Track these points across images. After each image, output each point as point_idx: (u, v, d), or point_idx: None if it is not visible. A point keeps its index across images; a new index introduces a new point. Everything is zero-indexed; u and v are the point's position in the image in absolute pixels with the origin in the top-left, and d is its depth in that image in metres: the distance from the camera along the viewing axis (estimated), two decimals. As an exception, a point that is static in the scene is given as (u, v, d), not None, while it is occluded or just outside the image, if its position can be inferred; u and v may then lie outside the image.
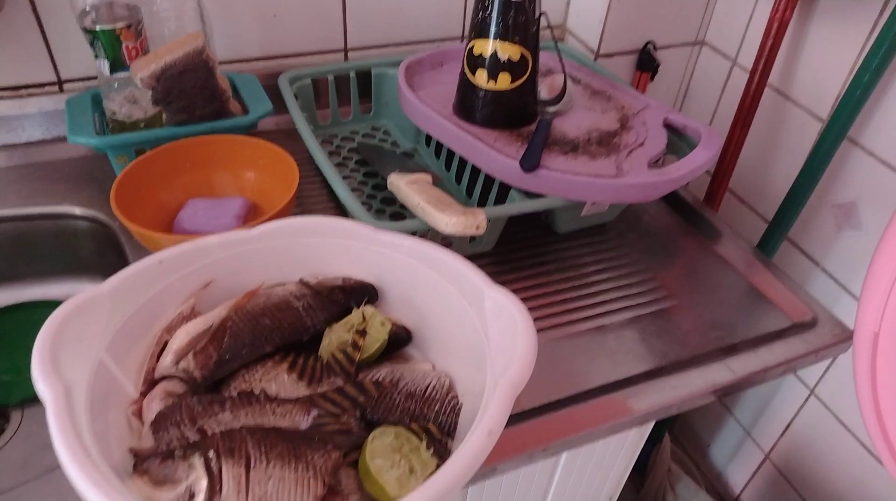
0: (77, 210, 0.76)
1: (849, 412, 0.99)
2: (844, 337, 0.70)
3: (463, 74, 0.76)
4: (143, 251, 0.72)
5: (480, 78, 0.74)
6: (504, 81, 0.73)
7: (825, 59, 0.90)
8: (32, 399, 0.71)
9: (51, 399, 0.42)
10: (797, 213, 0.93)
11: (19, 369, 0.75)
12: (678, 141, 0.82)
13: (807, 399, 1.05)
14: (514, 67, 0.73)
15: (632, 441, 0.79)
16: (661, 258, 0.80)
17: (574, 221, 0.80)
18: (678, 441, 1.39)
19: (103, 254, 0.79)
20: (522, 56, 0.72)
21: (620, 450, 0.79)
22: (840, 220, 0.92)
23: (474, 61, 0.74)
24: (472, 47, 0.73)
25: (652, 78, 1.05)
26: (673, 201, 0.89)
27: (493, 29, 0.71)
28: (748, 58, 1.01)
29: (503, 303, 0.52)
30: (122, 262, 0.76)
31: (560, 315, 0.70)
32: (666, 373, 0.65)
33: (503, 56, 0.72)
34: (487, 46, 0.72)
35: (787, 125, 0.97)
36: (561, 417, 0.61)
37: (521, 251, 0.78)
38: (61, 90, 0.85)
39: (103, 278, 0.81)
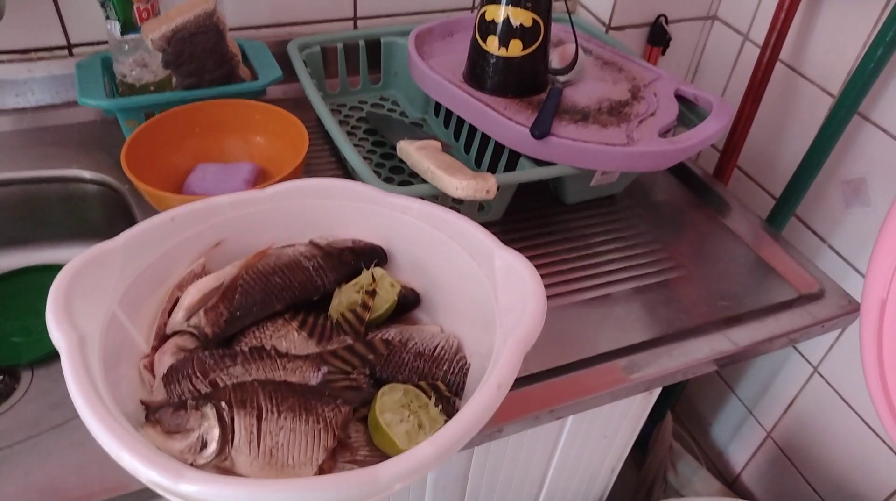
0: (86, 174, 0.77)
1: (853, 390, 0.99)
2: (851, 309, 0.71)
3: (474, 40, 0.76)
4: (152, 214, 0.72)
5: (492, 45, 0.74)
6: (516, 48, 0.73)
7: (837, 34, 0.89)
8: (42, 360, 0.71)
9: (65, 347, 0.43)
10: (806, 189, 0.93)
11: (29, 330, 0.75)
12: (688, 113, 0.81)
13: (810, 377, 1.06)
14: (525, 34, 0.72)
15: (636, 410, 0.79)
16: (670, 230, 0.80)
17: (583, 191, 0.79)
18: (680, 420, 1.39)
19: (112, 218, 0.79)
20: (535, 22, 0.72)
21: (624, 418, 0.79)
22: (849, 196, 0.92)
23: (486, 27, 0.74)
24: (484, 13, 0.73)
25: (663, 52, 1.04)
26: (682, 174, 0.89)
27: (505, -6, 0.71)
28: (760, 33, 1.00)
29: (512, 263, 0.52)
30: (133, 225, 0.76)
31: (567, 283, 0.71)
32: (671, 341, 0.65)
33: (515, 22, 0.72)
34: (500, 12, 0.72)
35: (797, 101, 0.97)
36: (568, 381, 0.61)
37: (529, 221, 0.78)
38: (71, 54, 0.85)
39: (113, 243, 0.83)
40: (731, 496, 1.21)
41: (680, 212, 0.84)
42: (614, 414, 0.77)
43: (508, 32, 0.72)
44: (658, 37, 1.03)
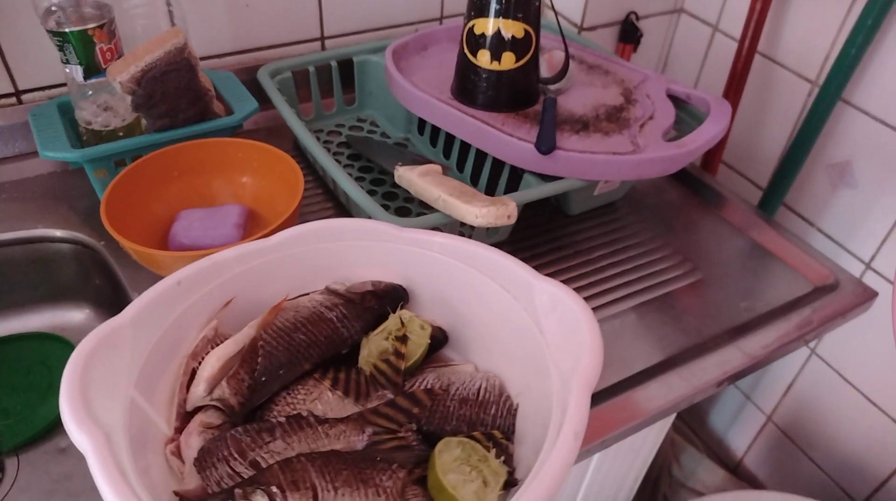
0: (57, 232, 0.70)
1: (854, 368, 1.00)
2: (867, 297, 0.71)
3: (463, 55, 0.72)
4: (136, 272, 0.66)
5: (483, 59, 0.71)
6: (508, 61, 0.70)
7: (811, 19, 0.90)
8: (26, 444, 0.65)
9: (92, 449, 0.37)
10: (795, 175, 0.93)
11: (7, 412, 0.68)
12: (679, 111, 0.80)
13: (808, 359, 1.07)
14: (517, 46, 0.70)
15: (663, 422, 0.77)
16: (675, 232, 0.78)
17: (587, 201, 0.77)
18: (678, 412, 1.39)
19: (88, 277, 0.73)
20: (526, 33, 0.69)
21: (651, 431, 0.77)
22: (835, 179, 0.93)
23: (475, 41, 0.70)
24: (473, 27, 0.70)
25: (635, 49, 1.03)
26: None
27: (493, 6, 0.68)
28: (729, 23, 1.00)
29: (557, 295, 0.49)
30: (112, 285, 0.70)
31: (590, 300, 0.68)
32: (705, 352, 0.64)
33: (507, 34, 0.69)
34: (489, 25, 0.69)
35: (775, 89, 0.97)
36: (613, 406, 0.58)
37: (536, 238, 0.75)
38: (20, 102, 0.78)
39: (90, 305, 0.76)
40: (737, 483, 1.22)
41: (680, 211, 0.82)
42: (641, 432, 0.75)
43: (500, 45, 0.69)
44: (629, 34, 1.02)
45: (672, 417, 0.78)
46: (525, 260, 0.70)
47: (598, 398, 0.58)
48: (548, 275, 0.70)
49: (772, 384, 1.15)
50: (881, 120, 0.86)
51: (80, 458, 0.64)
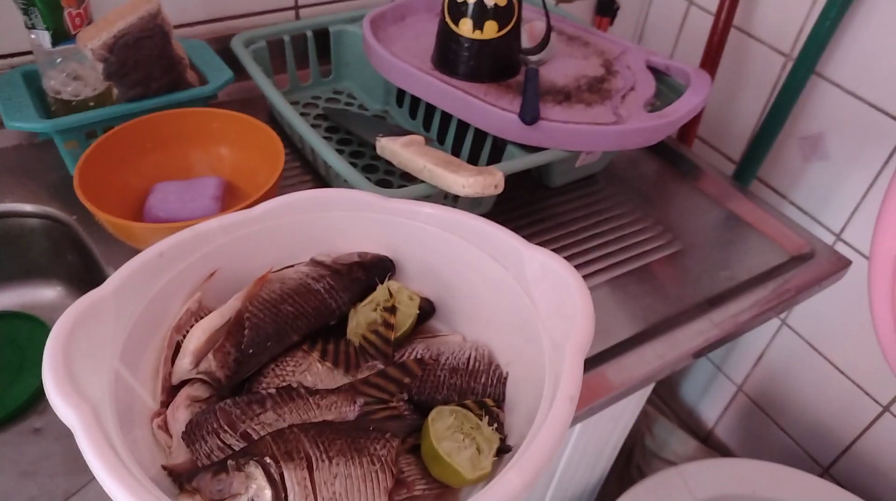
0: (27, 207, 0.67)
1: (823, 338, 1.03)
2: (842, 265, 0.72)
3: (444, 24, 0.71)
4: (111, 247, 0.64)
5: (465, 27, 0.70)
6: (491, 30, 0.69)
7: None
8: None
9: (79, 424, 0.36)
10: (769, 148, 0.94)
11: (-22, 391, 0.66)
12: (659, 83, 0.80)
13: (778, 329, 1.09)
14: (500, 14, 0.69)
15: (642, 390, 0.78)
16: (654, 203, 0.79)
17: (568, 173, 0.77)
18: (647, 383, 1.42)
19: (60, 253, 0.71)
20: (509, 1, 0.68)
21: (631, 400, 0.79)
22: (807, 152, 0.94)
23: (457, 9, 0.69)
24: (455, -5, 0.69)
25: (612, 22, 1.03)
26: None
27: (476, -26, 0.67)
28: (704, -4, 1.00)
29: (547, 263, 0.49)
30: (85, 261, 0.68)
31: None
32: (690, 319, 0.65)
33: (489, 2, 0.68)
34: (471, -7, 0.68)
35: (749, 62, 0.98)
36: (591, 378, 0.59)
37: (518, 210, 0.75)
38: (-20, 71, 0.75)
39: (62, 282, 0.74)
40: (708, 452, 1.24)
41: (658, 183, 0.83)
42: (621, 401, 0.76)
43: (483, 13, 0.68)
44: (606, 7, 1.02)
45: (651, 386, 0.80)
46: (510, 231, 0.71)
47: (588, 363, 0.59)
48: (533, 246, 0.70)
49: (743, 354, 1.17)
50: (853, 93, 0.87)
51: (57, 438, 0.63)
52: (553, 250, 0.69)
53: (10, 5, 0.62)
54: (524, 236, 0.71)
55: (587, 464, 0.88)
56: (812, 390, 1.08)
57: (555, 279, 0.48)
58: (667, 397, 1.38)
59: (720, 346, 0.65)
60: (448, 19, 0.70)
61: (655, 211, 0.78)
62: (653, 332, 0.64)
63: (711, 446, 1.30)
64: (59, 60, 0.65)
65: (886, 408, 0.97)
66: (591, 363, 0.60)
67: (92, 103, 0.68)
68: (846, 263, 0.72)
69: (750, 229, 0.77)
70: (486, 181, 0.57)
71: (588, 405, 0.57)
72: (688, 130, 0.99)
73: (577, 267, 0.69)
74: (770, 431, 1.18)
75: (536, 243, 0.70)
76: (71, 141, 0.67)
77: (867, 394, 0.99)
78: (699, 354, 0.63)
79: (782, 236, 0.75)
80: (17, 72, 0.70)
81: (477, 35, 0.70)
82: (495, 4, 0.68)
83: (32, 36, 0.63)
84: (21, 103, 0.66)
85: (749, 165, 0.96)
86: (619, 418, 0.81)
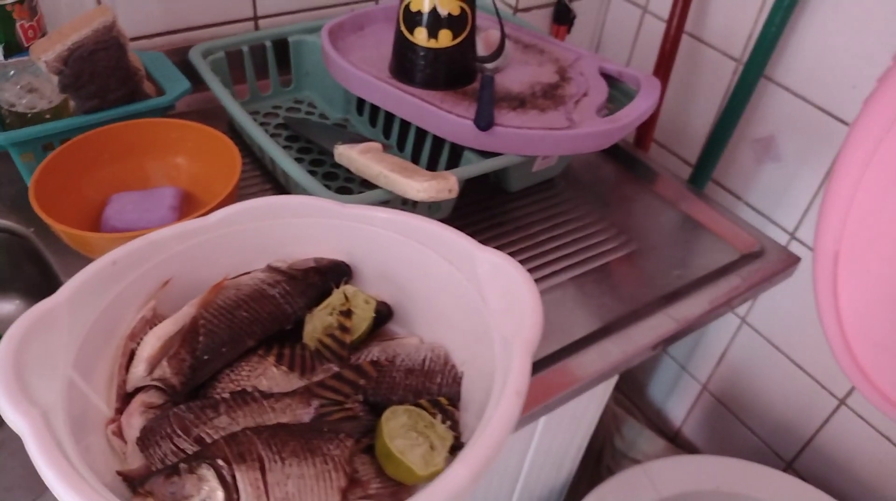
0: (-18, 220, 0.67)
1: (781, 335, 1.05)
2: (791, 262, 0.74)
3: (399, 33, 0.72)
4: (69, 258, 0.64)
5: (420, 36, 0.71)
6: (445, 39, 0.71)
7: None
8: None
9: (29, 430, 0.37)
10: (722, 151, 0.97)
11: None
12: (612, 89, 0.82)
13: (738, 328, 1.11)
14: (454, 23, 0.70)
15: (603, 388, 0.80)
16: (611, 206, 0.81)
17: (525, 177, 0.79)
18: (616, 384, 1.44)
19: (16, 267, 0.70)
20: (462, 10, 0.70)
21: (592, 400, 0.80)
22: (760, 153, 0.97)
23: (412, 19, 0.71)
24: (409, 4, 0.70)
25: (569, 30, 1.05)
26: (610, 148, 0.90)
27: (429, -16, 0.68)
28: (658, 4, 1.03)
29: (498, 264, 0.50)
30: (43, 273, 0.68)
31: (530, 273, 0.69)
32: (643, 316, 0.66)
33: (443, 11, 0.69)
34: (425, 2, 0.69)
35: (702, 68, 1.00)
36: (552, 373, 0.60)
37: (477, 215, 0.76)
38: (-65, 85, 0.74)
39: (20, 295, 0.74)
40: (676, 451, 1.26)
41: (615, 187, 0.85)
42: (583, 398, 0.78)
43: (437, 23, 0.70)
44: (563, 16, 1.04)
45: (612, 385, 0.81)
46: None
47: (540, 365, 0.60)
48: (490, 249, 0.71)
49: (706, 354, 1.20)
50: (801, 96, 0.90)
51: (12, 451, 0.62)
52: (512, 253, 0.72)
53: (-38, 18, 0.62)
54: (484, 240, 0.72)
55: (552, 464, 0.89)
56: (773, 386, 1.10)
57: (505, 279, 0.49)
58: (634, 397, 1.40)
59: (676, 340, 0.66)
60: (403, 29, 0.72)
61: (612, 214, 0.79)
62: (610, 328, 0.65)
63: (679, 445, 1.32)
64: (12, 73, 0.65)
65: (843, 401, 1.00)
66: (551, 359, 0.61)
67: (48, 116, 0.68)
68: (795, 260, 0.75)
69: (703, 229, 0.79)
70: (440, 186, 0.59)
71: (549, 399, 0.58)
72: (644, 135, 1.01)
73: (536, 268, 0.70)
74: (735, 428, 1.21)
75: (496, 247, 0.72)
76: (27, 153, 0.66)
77: (824, 388, 1.02)
78: (654, 348, 0.65)
79: (733, 235, 0.77)
80: (-29, 85, 0.70)
81: (432, 44, 0.71)
82: (449, 14, 0.69)
83: (-15, 49, 0.63)
84: (-25, 116, 0.66)
85: (704, 168, 0.99)
86: (582, 417, 0.82)
